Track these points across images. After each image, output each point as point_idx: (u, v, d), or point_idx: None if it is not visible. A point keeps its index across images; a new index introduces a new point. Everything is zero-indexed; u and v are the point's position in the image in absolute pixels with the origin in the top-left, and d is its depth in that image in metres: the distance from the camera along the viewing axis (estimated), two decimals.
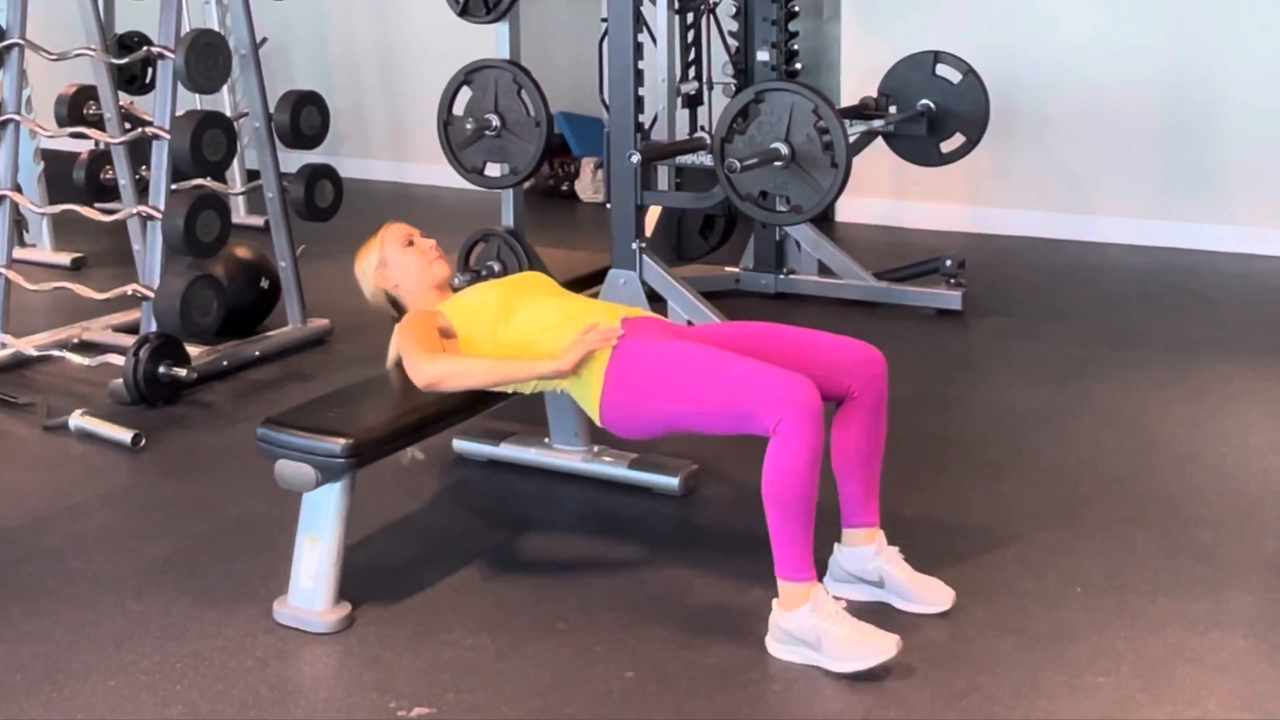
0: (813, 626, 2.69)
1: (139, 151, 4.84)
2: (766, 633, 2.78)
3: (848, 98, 6.07)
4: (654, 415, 2.90)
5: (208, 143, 4.41)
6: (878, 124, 5.21)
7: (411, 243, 3.30)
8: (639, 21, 4.53)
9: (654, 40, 4.80)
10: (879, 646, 2.68)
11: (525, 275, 3.44)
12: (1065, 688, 2.64)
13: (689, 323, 3.24)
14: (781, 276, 5.42)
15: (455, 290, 3.32)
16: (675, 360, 2.89)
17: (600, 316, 3.05)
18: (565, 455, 3.68)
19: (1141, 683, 2.65)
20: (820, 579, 2.80)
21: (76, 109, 5.51)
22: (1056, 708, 2.58)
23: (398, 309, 3.28)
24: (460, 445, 3.81)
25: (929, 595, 2.94)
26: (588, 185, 7.46)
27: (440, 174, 6.17)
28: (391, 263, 3.28)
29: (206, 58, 4.41)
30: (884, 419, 2.99)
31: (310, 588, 2.93)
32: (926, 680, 2.66)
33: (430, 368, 2.94)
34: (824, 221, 6.22)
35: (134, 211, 4.61)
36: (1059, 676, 2.68)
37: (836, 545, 2.99)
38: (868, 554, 2.96)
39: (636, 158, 4.46)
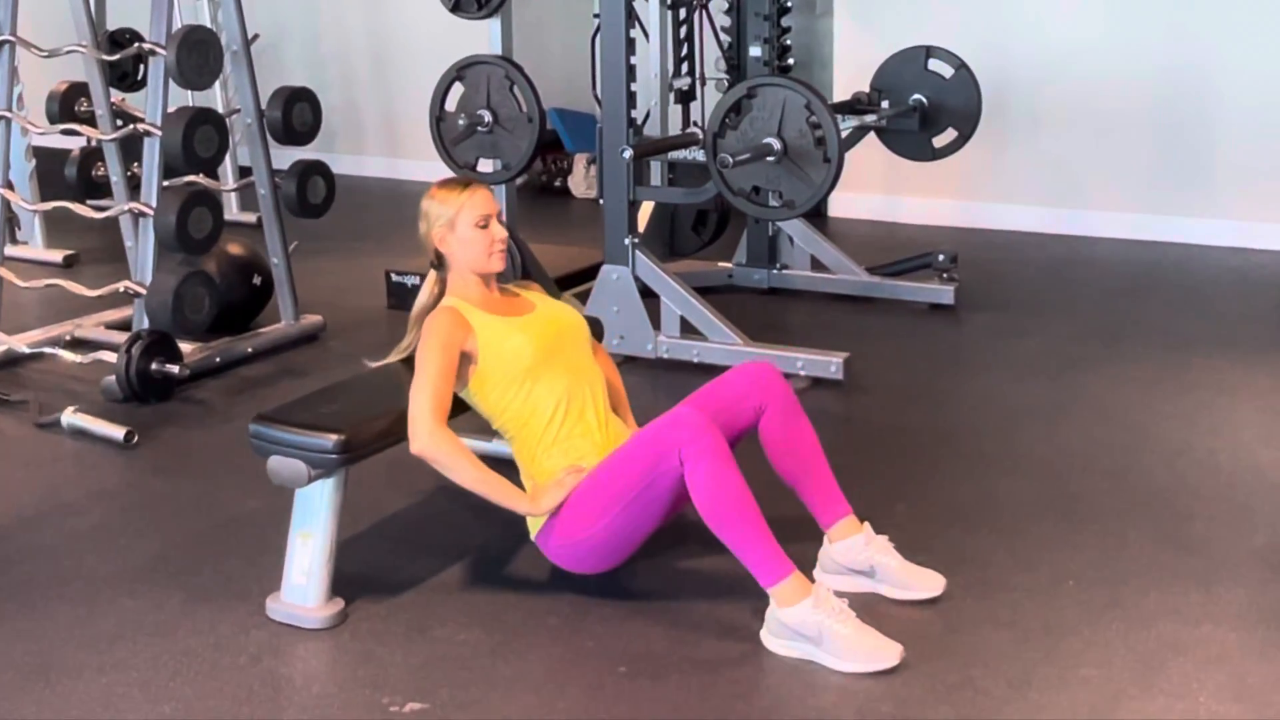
0: (815, 622, 2.69)
1: (131, 148, 4.84)
2: (759, 628, 2.78)
3: (840, 93, 6.08)
4: (592, 544, 2.92)
5: (199, 139, 4.41)
6: (870, 119, 5.21)
7: (486, 225, 3.10)
8: (631, 17, 4.53)
9: (646, 36, 4.80)
10: (883, 653, 2.68)
11: (564, 323, 3.19)
12: (1057, 680, 2.65)
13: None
14: (774, 272, 5.43)
15: (502, 285, 3.21)
16: (584, 487, 2.91)
17: (601, 422, 3.06)
18: None
19: (1132, 675, 2.66)
20: (810, 575, 2.81)
21: (68, 106, 5.51)
22: (1048, 700, 2.59)
23: (439, 264, 3.15)
24: None
25: (921, 583, 2.96)
26: (580, 181, 7.46)
27: (433, 170, 6.12)
28: (459, 231, 3.08)
29: (198, 54, 4.41)
30: (803, 417, 3.02)
31: (303, 584, 2.93)
32: (919, 673, 2.67)
33: (428, 445, 2.89)
34: (816, 217, 6.23)
35: (126, 208, 4.61)
36: (1051, 669, 2.69)
37: (825, 539, 3.00)
38: (857, 544, 2.97)
39: (629, 153, 4.46)
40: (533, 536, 3.03)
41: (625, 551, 2.95)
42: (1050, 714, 2.55)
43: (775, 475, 3.02)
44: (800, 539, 2.96)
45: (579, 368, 3.11)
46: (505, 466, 3.73)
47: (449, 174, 4.94)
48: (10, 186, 4.83)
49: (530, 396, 3.02)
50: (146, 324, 4.41)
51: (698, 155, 4.63)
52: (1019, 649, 2.76)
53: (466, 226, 3.07)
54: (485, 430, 3.76)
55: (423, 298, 3.18)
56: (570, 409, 3.03)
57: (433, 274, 3.17)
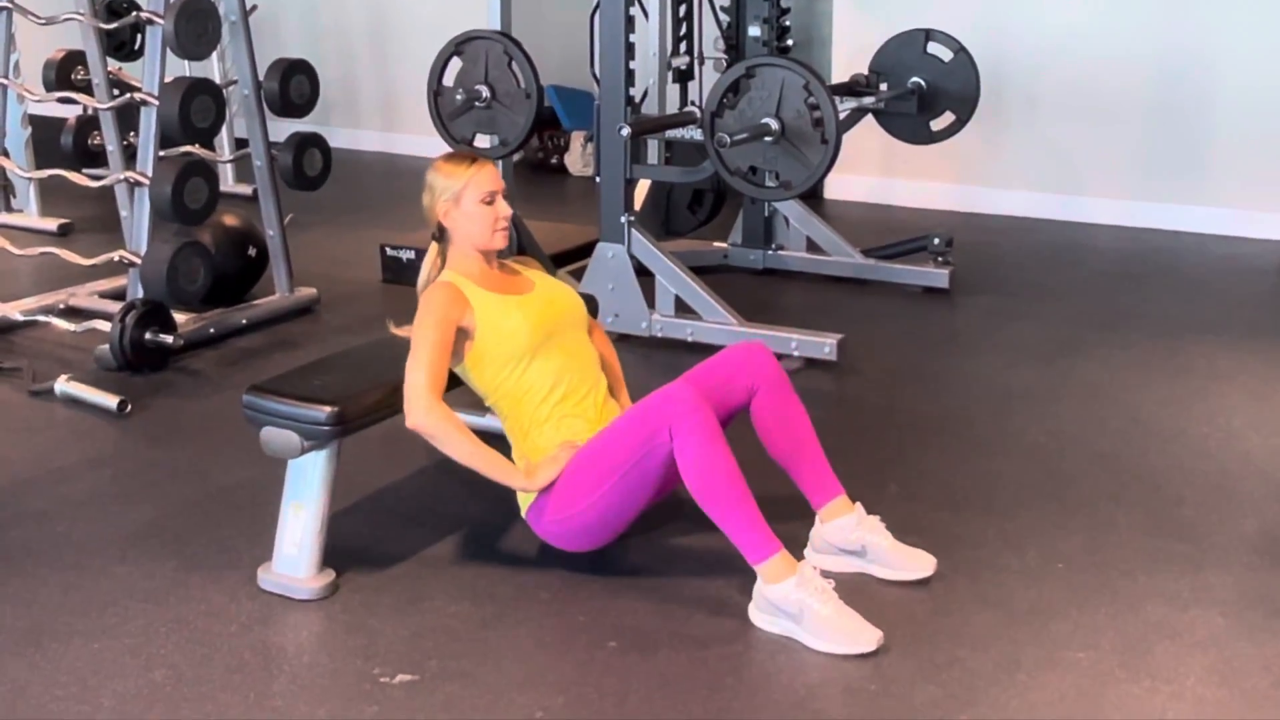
0: (797, 600, 2.70)
1: (127, 117, 4.83)
2: (748, 605, 2.80)
3: (838, 74, 6.07)
4: (584, 521, 2.91)
5: (196, 110, 4.40)
6: (868, 101, 5.20)
7: (491, 201, 3.05)
8: None
9: (645, 14, 4.79)
10: (860, 638, 2.69)
11: (562, 305, 3.16)
12: (1045, 662, 2.66)
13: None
14: (769, 252, 5.42)
15: (501, 261, 3.17)
16: (575, 463, 2.91)
17: (595, 402, 3.06)
18: None
19: (1121, 658, 2.67)
20: (800, 554, 2.82)
21: (65, 74, 5.48)
22: (1036, 682, 2.60)
23: (440, 237, 3.11)
24: None
25: (911, 563, 2.97)
26: (577, 158, 7.45)
27: (429, 144, 6.12)
28: (464, 206, 3.03)
29: (196, 24, 4.40)
30: (794, 398, 3.03)
31: (294, 554, 2.94)
32: (908, 653, 2.68)
33: (425, 420, 2.87)
34: (813, 198, 6.23)
35: (121, 177, 4.60)
36: (1039, 651, 2.70)
37: (817, 518, 3.01)
38: (849, 524, 2.98)
39: (626, 131, 4.45)
40: (523, 514, 3.03)
41: (616, 529, 2.95)
42: (1037, 695, 2.56)
43: (767, 455, 3.02)
44: (791, 518, 2.98)
45: (575, 350, 3.10)
46: (498, 441, 3.74)
47: (446, 148, 4.94)
48: (6, 154, 4.82)
49: (525, 375, 3.01)
50: (141, 293, 4.40)
51: (695, 134, 4.62)
52: (1007, 630, 2.77)
53: (472, 202, 3.03)
54: (478, 405, 3.78)
55: (425, 273, 3.13)
56: (564, 389, 3.03)
57: (434, 247, 3.11)
